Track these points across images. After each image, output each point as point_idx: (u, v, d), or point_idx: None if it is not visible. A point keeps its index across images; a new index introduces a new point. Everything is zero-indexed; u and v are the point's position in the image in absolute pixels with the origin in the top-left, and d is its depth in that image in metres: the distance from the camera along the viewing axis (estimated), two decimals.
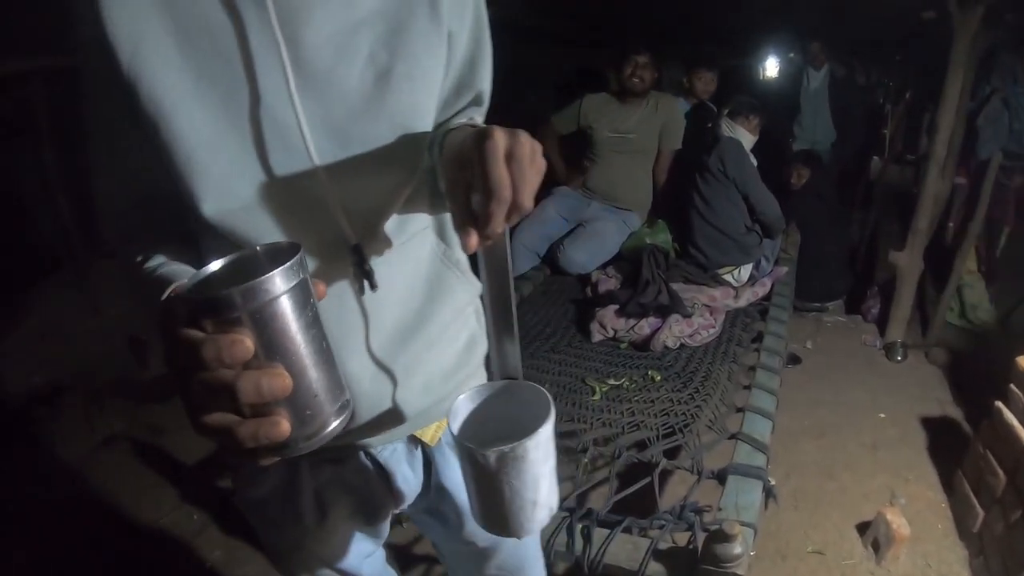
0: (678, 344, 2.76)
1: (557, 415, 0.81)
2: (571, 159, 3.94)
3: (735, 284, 3.31)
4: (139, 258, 0.78)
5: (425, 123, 0.82)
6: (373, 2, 0.76)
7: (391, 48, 0.77)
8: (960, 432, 3.23)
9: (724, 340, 2.89)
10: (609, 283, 3.25)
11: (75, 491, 3.17)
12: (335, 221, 0.77)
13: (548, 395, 0.74)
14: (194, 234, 0.82)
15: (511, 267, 0.71)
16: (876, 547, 2.47)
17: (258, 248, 0.58)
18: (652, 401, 2.40)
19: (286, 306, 0.49)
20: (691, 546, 1.66)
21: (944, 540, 2.57)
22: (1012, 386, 2.40)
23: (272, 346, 0.48)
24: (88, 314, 4.40)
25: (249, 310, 0.47)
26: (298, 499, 0.97)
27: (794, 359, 3.85)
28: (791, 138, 5.43)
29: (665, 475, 2.21)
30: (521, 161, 0.58)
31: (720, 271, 3.32)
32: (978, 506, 2.49)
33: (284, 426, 0.48)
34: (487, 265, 0.70)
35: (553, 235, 3.73)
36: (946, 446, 3.08)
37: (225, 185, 0.74)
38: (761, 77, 7.11)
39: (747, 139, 3.40)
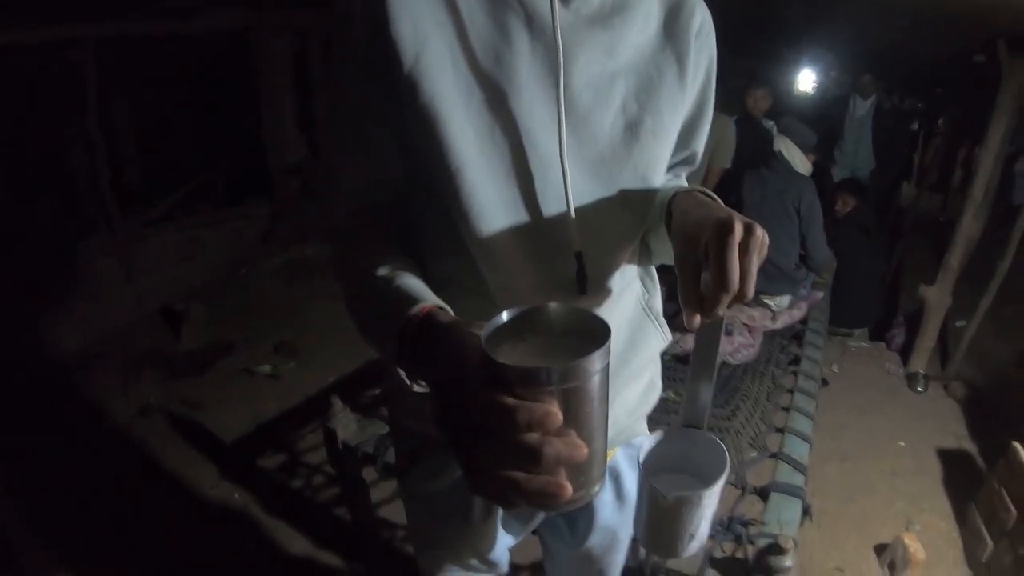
0: (720, 361, 2.91)
1: None
2: None
3: (775, 309, 3.44)
4: (366, 261, 0.78)
5: (660, 176, 0.88)
6: (629, 57, 0.82)
7: (641, 102, 0.83)
8: (974, 466, 3.35)
9: (763, 361, 3.03)
10: None
11: (113, 462, 3.18)
12: (571, 258, 0.81)
13: (725, 450, 0.86)
14: (419, 247, 0.85)
15: (722, 335, 0.80)
16: (891, 568, 2.61)
17: (551, 307, 0.60)
18: None
19: (594, 386, 0.51)
20: (741, 556, 1.81)
21: (955, 568, 2.71)
22: None
23: (572, 418, 0.50)
24: (121, 281, 4.47)
25: (564, 386, 0.49)
26: (469, 496, 1.02)
27: (822, 382, 3.92)
28: (831, 163, 5.50)
29: None
30: (752, 255, 0.63)
31: (763, 296, 3.44)
32: (988, 538, 2.63)
33: (568, 489, 0.49)
34: (703, 332, 0.80)
35: None
36: (960, 478, 3.22)
37: (486, 203, 0.77)
38: (796, 92, 7.02)
39: (807, 171, 3.52)
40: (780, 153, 3.49)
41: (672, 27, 0.85)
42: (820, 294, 3.69)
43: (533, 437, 0.48)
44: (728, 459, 0.85)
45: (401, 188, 0.84)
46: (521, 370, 0.49)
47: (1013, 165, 3.80)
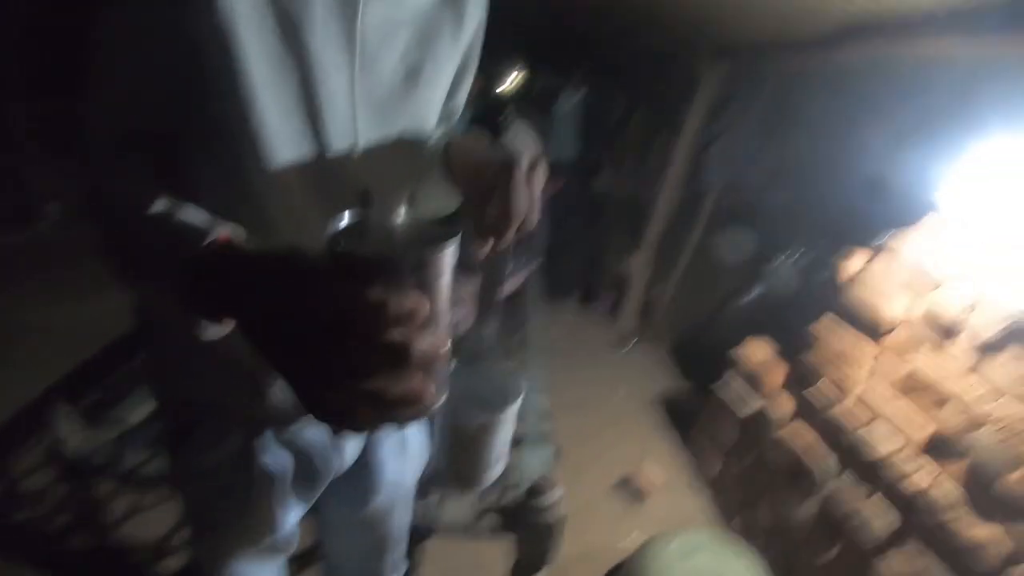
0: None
1: None
2: None
3: None
4: (135, 199, 0.68)
5: (434, 122, 0.95)
6: (414, 6, 0.85)
7: (422, 50, 0.87)
8: (690, 403, 3.80)
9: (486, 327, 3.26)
10: None
11: None
12: (355, 197, 0.80)
13: (519, 376, 0.89)
14: (191, 186, 0.76)
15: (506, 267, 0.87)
16: (631, 498, 2.96)
17: (391, 218, 0.61)
18: None
19: (447, 281, 0.51)
20: (510, 501, 1.88)
21: (688, 489, 3.13)
22: (729, 371, 3.06)
23: (433, 312, 0.48)
24: None
25: (422, 277, 0.49)
26: (251, 466, 0.96)
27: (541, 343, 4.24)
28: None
29: None
30: (536, 186, 0.71)
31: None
32: (710, 461, 3.13)
33: (431, 391, 0.47)
34: (489, 264, 0.81)
35: None
36: (678, 416, 3.72)
37: (273, 134, 0.75)
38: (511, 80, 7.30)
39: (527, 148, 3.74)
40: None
41: None
42: (534, 263, 3.99)
43: (401, 332, 0.45)
44: (522, 384, 0.89)
45: (167, 118, 0.75)
46: (384, 259, 0.48)
47: (707, 150, 4.38)
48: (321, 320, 0.46)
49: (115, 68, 0.73)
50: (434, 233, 0.54)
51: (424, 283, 0.49)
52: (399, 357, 0.45)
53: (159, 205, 0.65)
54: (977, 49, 2.02)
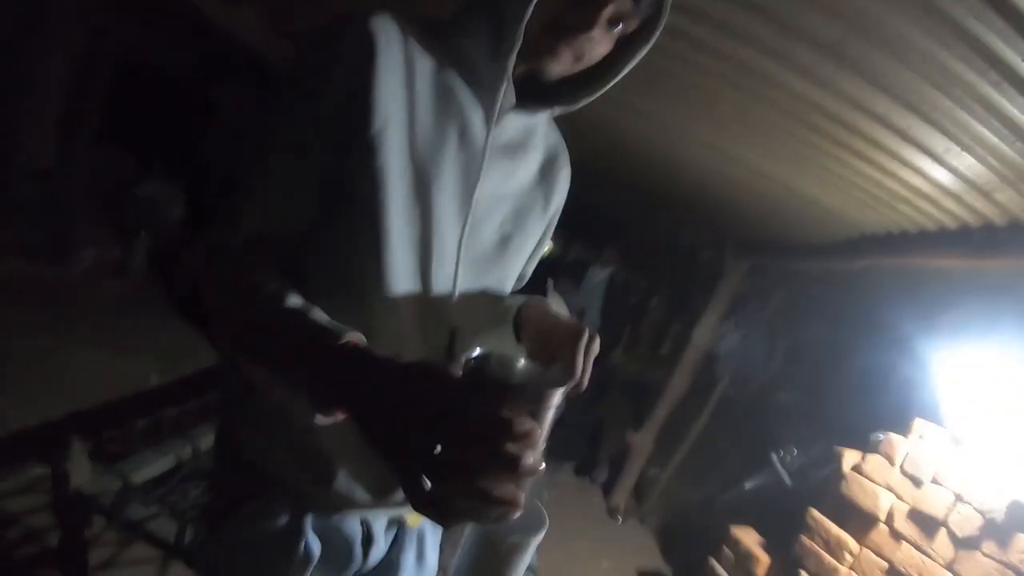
0: None
1: None
2: None
3: None
4: (272, 290, 0.77)
5: (513, 283, 1.08)
6: (516, 185, 1.00)
7: (515, 223, 1.01)
8: None
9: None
10: None
11: None
12: (445, 331, 0.93)
13: (541, 506, 0.98)
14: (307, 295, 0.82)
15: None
16: None
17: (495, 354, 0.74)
18: None
19: (552, 412, 0.62)
20: None
21: None
22: (713, 556, 3.07)
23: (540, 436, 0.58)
24: None
25: (540, 407, 0.60)
26: (294, 545, 0.98)
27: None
28: None
29: None
30: (592, 358, 0.84)
31: None
32: None
33: (523, 498, 0.57)
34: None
35: None
36: None
37: (395, 267, 0.87)
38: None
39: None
40: None
41: (548, 170, 1.07)
42: None
43: (518, 446, 0.54)
44: (545, 514, 0.97)
45: (299, 234, 0.88)
46: (515, 387, 0.62)
47: (720, 343, 4.57)
48: (452, 424, 0.55)
49: (280, 174, 0.86)
50: (543, 375, 0.70)
51: (538, 413, 0.59)
52: (511, 465, 0.54)
53: (295, 300, 0.74)
54: (961, 262, 2.21)
